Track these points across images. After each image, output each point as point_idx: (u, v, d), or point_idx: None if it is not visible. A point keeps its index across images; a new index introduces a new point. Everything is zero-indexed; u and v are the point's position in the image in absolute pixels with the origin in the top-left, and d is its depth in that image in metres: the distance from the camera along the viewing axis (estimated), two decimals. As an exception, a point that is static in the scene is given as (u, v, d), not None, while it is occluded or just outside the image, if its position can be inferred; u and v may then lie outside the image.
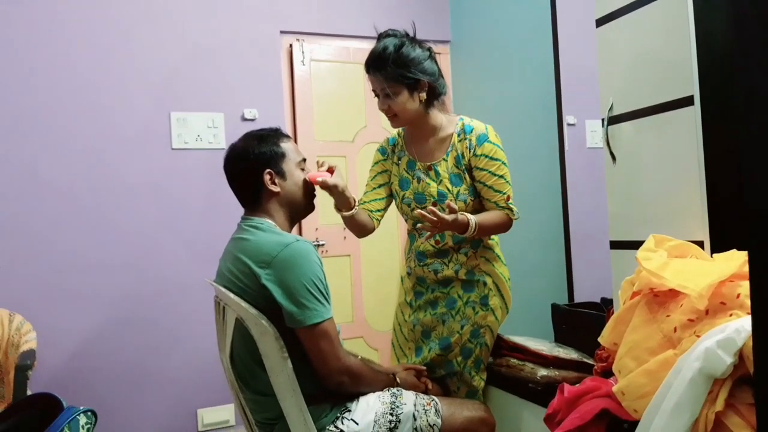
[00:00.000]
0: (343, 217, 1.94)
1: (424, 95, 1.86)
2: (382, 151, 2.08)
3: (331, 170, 1.86)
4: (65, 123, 2.73)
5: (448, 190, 1.89)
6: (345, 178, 1.91)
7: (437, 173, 1.91)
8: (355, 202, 1.93)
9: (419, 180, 1.94)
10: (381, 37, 1.88)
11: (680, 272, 1.19)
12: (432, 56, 1.89)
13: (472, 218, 1.78)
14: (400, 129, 2.05)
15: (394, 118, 1.89)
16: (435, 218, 1.67)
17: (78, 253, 2.72)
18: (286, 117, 3.16)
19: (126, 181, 2.82)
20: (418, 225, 1.83)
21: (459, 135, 1.91)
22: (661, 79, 1.49)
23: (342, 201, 1.89)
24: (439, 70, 1.91)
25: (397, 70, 1.81)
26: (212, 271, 1.80)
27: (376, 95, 1.89)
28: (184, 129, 2.92)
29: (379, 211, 2.04)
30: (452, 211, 1.70)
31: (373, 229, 2.04)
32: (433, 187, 1.91)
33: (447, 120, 1.95)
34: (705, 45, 1.40)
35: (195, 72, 2.95)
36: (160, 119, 2.89)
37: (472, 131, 1.90)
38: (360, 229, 1.99)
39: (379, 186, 2.05)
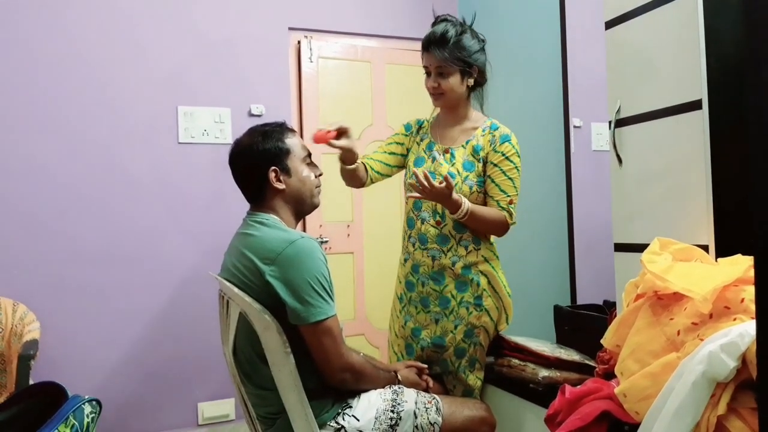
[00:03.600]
0: (344, 169, 2.01)
1: (472, 81, 1.98)
2: (407, 127, 2.16)
3: (341, 131, 1.92)
4: (73, 116, 2.74)
5: (458, 172, 1.95)
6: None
7: (452, 156, 1.98)
8: (358, 157, 2.02)
9: (434, 160, 2.00)
10: (438, 20, 1.99)
11: (685, 276, 1.19)
12: (484, 49, 2.01)
13: (467, 202, 1.85)
14: (430, 117, 2.14)
15: (440, 96, 1.98)
16: (426, 182, 1.74)
17: (83, 245, 2.73)
18: (292, 113, 3.16)
19: (132, 175, 2.83)
20: (408, 181, 1.91)
21: (484, 130, 1.99)
22: (669, 83, 1.49)
23: (348, 157, 1.97)
24: (486, 63, 2.03)
25: (455, 52, 1.92)
26: (217, 265, 1.81)
27: (427, 73, 1.99)
28: (191, 123, 2.93)
29: (377, 172, 2.10)
30: (448, 186, 1.76)
31: (363, 183, 2.10)
32: (445, 168, 1.96)
33: (478, 116, 2.05)
34: (714, 49, 1.39)
35: (203, 67, 2.96)
36: (167, 113, 2.90)
37: (497, 129, 1.99)
38: (354, 181, 2.07)
39: (390, 153, 2.12)
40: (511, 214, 1.92)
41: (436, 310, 1.97)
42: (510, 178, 1.92)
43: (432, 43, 1.94)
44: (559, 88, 2.57)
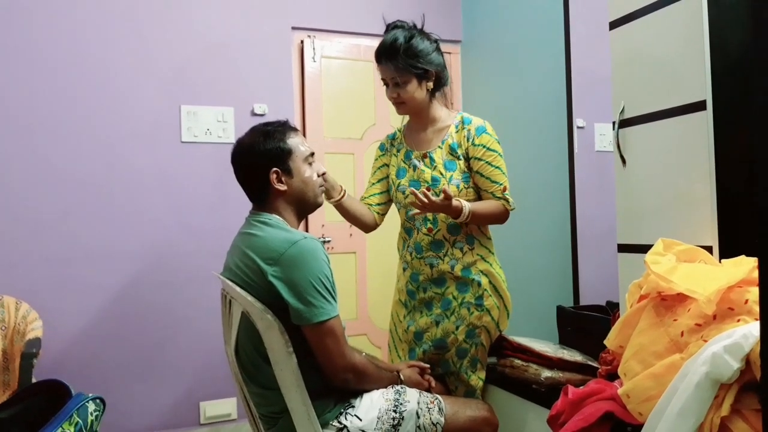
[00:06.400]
0: (336, 207, 2.02)
1: (431, 84, 1.95)
2: (381, 147, 2.16)
3: None
4: (76, 114, 2.74)
5: (442, 174, 1.94)
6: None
7: (432, 160, 1.97)
8: (342, 189, 2.00)
9: (415, 168, 1.99)
10: (389, 27, 1.96)
11: (689, 277, 1.19)
12: (438, 48, 1.98)
13: (467, 204, 1.84)
14: (401, 125, 2.13)
15: (401, 105, 1.97)
16: (425, 199, 1.74)
17: (86, 243, 2.73)
18: (295, 113, 3.17)
19: (135, 173, 2.83)
20: (406, 201, 1.90)
21: (457, 126, 1.98)
22: (673, 83, 1.49)
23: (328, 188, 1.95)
24: (444, 62, 1.99)
25: (408, 60, 1.89)
26: (219, 264, 1.81)
27: (386, 84, 1.97)
28: (194, 122, 2.93)
29: (378, 205, 2.11)
30: (447, 197, 1.76)
31: (375, 224, 2.11)
32: (428, 173, 1.96)
33: (447, 113, 2.03)
34: (719, 50, 1.39)
35: (206, 66, 2.96)
36: (170, 112, 2.90)
37: (470, 122, 1.97)
38: (356, 220, 2.07)
39: (379, 181, 2.13)
40: (508, 201, 1.92)
41: (437, 312, 1.97)
42: (497, 167, 1.93)
43: (382, 55, 1.92)
44: (562, 89, 2.57)
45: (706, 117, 1.40)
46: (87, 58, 2.76)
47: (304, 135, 3.12)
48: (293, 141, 1.72)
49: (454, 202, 1.80)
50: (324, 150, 3.16)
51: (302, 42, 3.19)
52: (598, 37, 1.98)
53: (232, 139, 2.92)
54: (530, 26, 2.94)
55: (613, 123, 1.66)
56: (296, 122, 3.15)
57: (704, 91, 1.40)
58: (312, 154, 1.77)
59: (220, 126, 2.97)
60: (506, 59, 3.14)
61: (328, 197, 1.98)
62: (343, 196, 2.00)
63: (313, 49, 3.19)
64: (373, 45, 3.34)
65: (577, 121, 2.51)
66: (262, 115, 3.02)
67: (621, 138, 1.65)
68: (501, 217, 1.94)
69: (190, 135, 2.92)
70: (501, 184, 1.92)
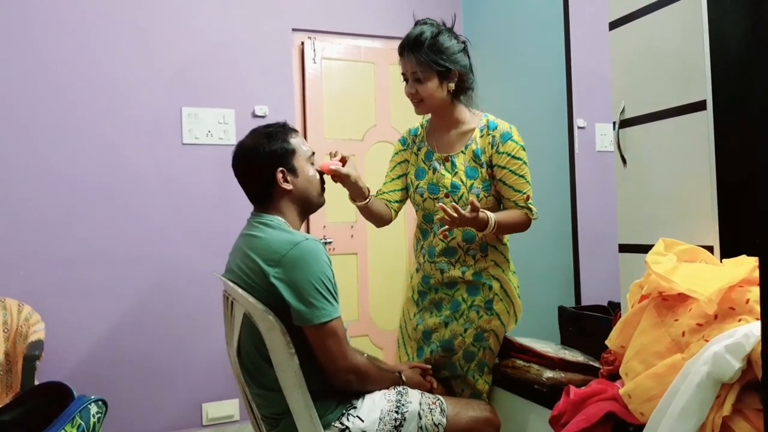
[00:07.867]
0: (358, 207, 1.94)
1: (452, 85, 1.88)
2: (402, 141, 2.09)
3: (343, 160, 1.88)
4: (78, 116, 2.75)
5: (462, 182, 1.89)
6: (358, 170, 1.93)
7: (453, 165, 1.91)
8: (369, 191, 1.93)
9: (435, 171, 1.94)
10: (418, 24, 1.90)
11: (690, 276, 1.19)
12: (466, 50, 1.92)
13: (492, 216, 1.78)
14: (424, 121, 2.07)
15: (419, 103, 1.90)
16: (455, 215, 1.68)
17: (88, 246, 2.74)
18: (296, 114, 3.17)
19: (137, 175, 2.84)
20: (436, 217, 1.83)
21: (482, 130, 1.91)
22: (673, 83, 1.49)
23: (355, 191, 1.90)
24: (471, 65, 1.93)
25: (431, 55, 1.83)
26: (221, 266, 1.81)
27: (405, 79, 1.90)
28: (195, 124, 2.93)
29: (397, 201, 2.04)
30: (474, 209, 1.70)
31: (391, 220, 2.04)
32: (448, 179, 1.90)
33: (471, 115, 1.96)
34: (719, 49, 1.39)
35: (207, 68, 2.97)
36: (171, 114, 2.90)
37: (496, 128, 1.90)
38: (376, 218, 2.00)
39: (399, 177, 2.05)
40: (531, 210, 1.87)
41: (446, 313, 1.95)
42: (521, 176, 1.86)
43: (405, 48, 1.85)
44: (563, 89, 2.57)
45: (707, 117, 1.40)
46: (88, 60, 2.77)
47: (305, 136, 3.13)
48: (295, 141, 1.73)
49: (480, 214, 1.73)
50: (325, 151, 3.15)
51: (303, 43, 3.20)
52: (598, 37, 1.98)
53: (233, 141, 2.93)
54: (530, 26, 2.94)
55: (614, 123, 1.66)
56: (297, 123, 3.16)
57: (704, 91, 1.40)
58: (313, 154, 1.78)
59: (221, 128, 2.98)
60: (507, 60, 3.14)
61: (354, 199, 1.93)
62: (369, 200, 1.94)
63: (314, 50, 3.20)
64: (374, 46, 3.37)
65: (578, 121, 2.52)
66: (263, 116, 3.03)
67: (621, 138, 1.65)
68: (523, 225, 1.88)
69: (191, 137, 2.93)
70: (524, 193, 1.86)
